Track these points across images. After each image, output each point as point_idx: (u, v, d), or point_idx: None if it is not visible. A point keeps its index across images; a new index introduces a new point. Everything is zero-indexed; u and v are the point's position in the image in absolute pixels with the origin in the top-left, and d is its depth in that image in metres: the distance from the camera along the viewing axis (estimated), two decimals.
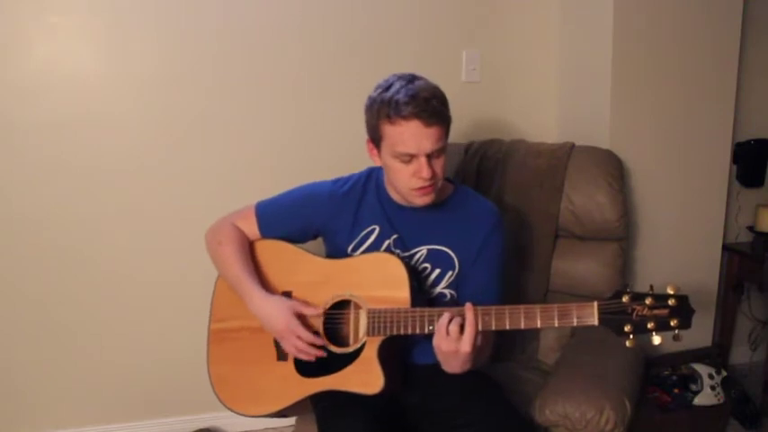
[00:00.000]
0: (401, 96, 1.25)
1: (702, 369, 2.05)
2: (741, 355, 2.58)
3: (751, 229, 2.37)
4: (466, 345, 1.19)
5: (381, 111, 1.27)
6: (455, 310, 1.23)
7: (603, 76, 2.05)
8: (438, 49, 2.19)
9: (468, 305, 1.22)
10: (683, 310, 1.11)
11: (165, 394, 2.17)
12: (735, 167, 2.38)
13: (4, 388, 2.05)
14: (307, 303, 1.38)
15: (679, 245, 2.20)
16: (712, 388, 2.02)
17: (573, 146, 1.93)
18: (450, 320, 1.21)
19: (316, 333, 1.36)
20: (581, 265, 1.87)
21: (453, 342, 1.20)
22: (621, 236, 1.88)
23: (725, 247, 2.33)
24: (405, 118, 1.25)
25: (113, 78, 1.96)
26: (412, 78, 1.30)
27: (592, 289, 1.84)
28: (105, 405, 2.14)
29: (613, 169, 1.87)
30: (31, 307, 2.02)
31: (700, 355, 2.17)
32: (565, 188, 1.86)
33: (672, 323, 1.10)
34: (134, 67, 1.97)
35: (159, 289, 2.10)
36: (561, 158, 1.89)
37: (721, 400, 2.03)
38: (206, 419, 2.19)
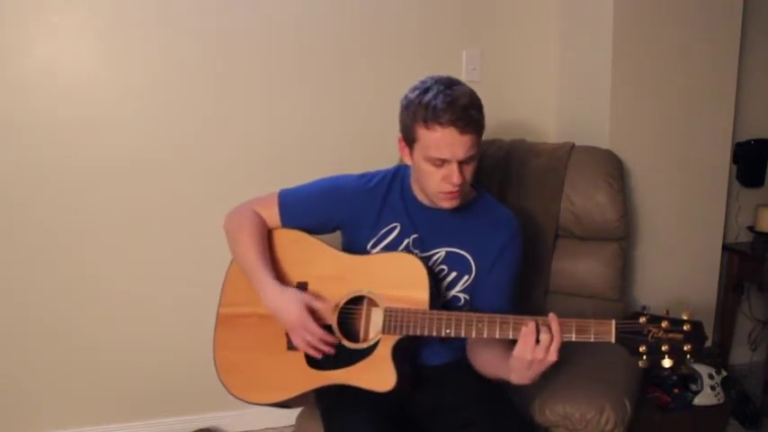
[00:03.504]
0: (439, 102, 1.24)
1: (702, 369, 2.05)
2: (741, 355, 2.58)
3: (751, 229, 2.37)
4: (553, 355, 1.17)
5: (418, 113, 1.27)
6: (539, 318, 1.20)
7: (603, 76, 2.05)
8: (438, 49, 2.19)
9: (552, 315, 1.19)
10: (697, 336, 1.12)
11: (165, 394, 2.17)
12: (735, 167, 2.38)
13: (5, 388, 2.04)
14: (319, 297, 1.37)
15: (679, 245, 2.20)
16: (712, 388, 2.02)
17: (573, 146, 1.93)
18: (538, 329, 1.18)
19: (329, 327, 1.35)
20: (581, 265, 1.87)
21: (542, 351, 1.16)
22: (621, 236, 1.88)
23: (725, 247, 2.33)
24: (441, 124, 1.24)
25: (113, 78, 1.96)
26: (450, 83, 1.29)
27: (592, 289, 1.84)
28: (105, 405, 2.14)
29: (613, 169, 1.87)
30: (30, 307, 2.02)
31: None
32: (565, 188, 1.86)
33: (685, 348, 1.12)
34: (134, 67, 1.97)
35: (160, 289, 2.10)
36: (561, 158, 1.89)
37: (721, 400, 2.03)
38: (206, 419, 2.19)
